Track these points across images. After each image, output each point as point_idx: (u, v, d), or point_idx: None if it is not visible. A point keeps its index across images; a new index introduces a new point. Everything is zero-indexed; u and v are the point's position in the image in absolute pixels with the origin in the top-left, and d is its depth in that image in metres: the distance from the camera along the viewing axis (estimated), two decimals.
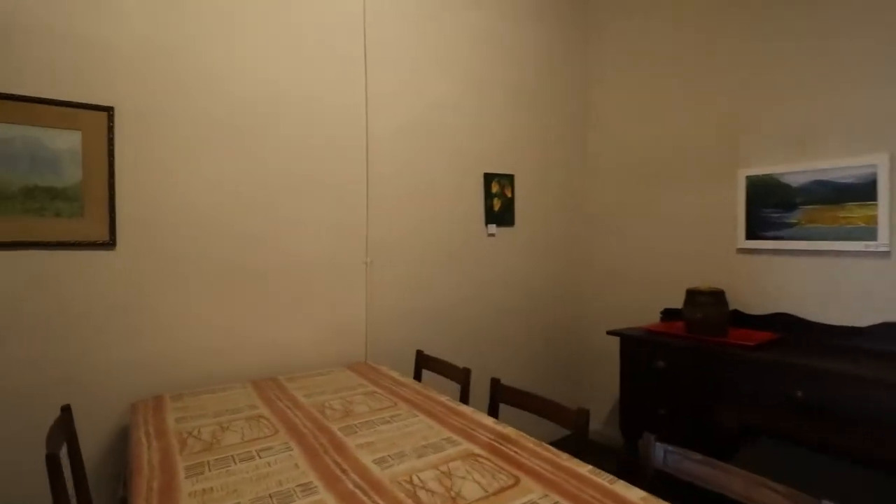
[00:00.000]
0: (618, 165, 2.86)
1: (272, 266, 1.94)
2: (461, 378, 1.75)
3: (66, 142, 1.51)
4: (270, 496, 1.00)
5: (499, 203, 2.66)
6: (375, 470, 1.11)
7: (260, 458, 1.18)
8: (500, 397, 1.56)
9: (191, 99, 1.74)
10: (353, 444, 1.25)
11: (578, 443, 1.29)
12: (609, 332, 2.33)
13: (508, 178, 2.69)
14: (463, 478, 1.07)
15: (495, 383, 1.57)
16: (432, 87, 2.38)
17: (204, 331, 1.79)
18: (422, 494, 0.99)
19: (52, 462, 1.03)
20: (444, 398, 1.60)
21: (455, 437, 1.29)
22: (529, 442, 1.25)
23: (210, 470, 1.12)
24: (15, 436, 1.45)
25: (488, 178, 2.61)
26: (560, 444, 1.23)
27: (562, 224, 2.94)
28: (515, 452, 1.19)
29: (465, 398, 1.73)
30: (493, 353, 2.63)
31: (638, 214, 2.75)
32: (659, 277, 2.64)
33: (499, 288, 2.65)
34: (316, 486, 1.03)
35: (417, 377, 2.04)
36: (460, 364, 2.48)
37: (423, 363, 2.00)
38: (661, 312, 2.59)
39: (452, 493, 1.00)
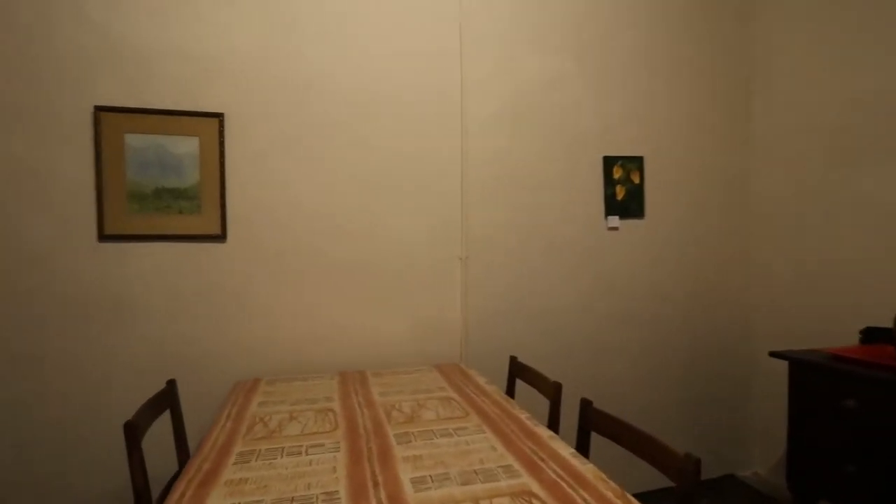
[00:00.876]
0: (795, 139, 2.20)
1: (366, 260, 1.94)
2: (551, 393, 1.49)
3: (186, 147, 1.71)
4: (293, 500, 0.93)
5: (623, 191, 2.27)
6: (408, 490, 0.96)
7: (306, 454, 1.13)
8: (591, 424, 1.26)
9: (289, 102, 1.83)
10: (400, 455, 1.12)
11: (683, 500, 0.95)
12: (773, 354, 1.78)
13: (635, 162, 2.28)
14: None
15: (585, 406, 1.29)
16: (533, 63, 2.13)
17: (302, 320, 1.87)
18: None
19: (129, 430, 1.13)
20: (523, 415, 1.37)
21: (517, 466, 1.07)
22: (609, 489, 0.96)
23: (256, 460, 1.11)
24: (133, 405, 1.68)
25: (609, 163, 2.24)
26: (660, 498, 0.91)
27: (710, 215, 2.38)
28: (584, 500, 0.92)
29: (553, 418, 1.46)
30: (610, 369, 2.25)
31: (825, 201, 2.07)
32: (856, 284, 1.94)
33: (620, 290, 2.26)
34: (339, 498, 0.93)
35: (511, 386, 1.82)
36: (565, 378, 2.18)
37: (517, 371, 1.78)
38: (861, 332, 1.89)
39: None
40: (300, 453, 1.14)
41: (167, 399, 1.43)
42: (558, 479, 1.00)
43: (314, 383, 1.70)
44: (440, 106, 2.01)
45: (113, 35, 1.66)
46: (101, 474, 1.66)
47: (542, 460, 1.09)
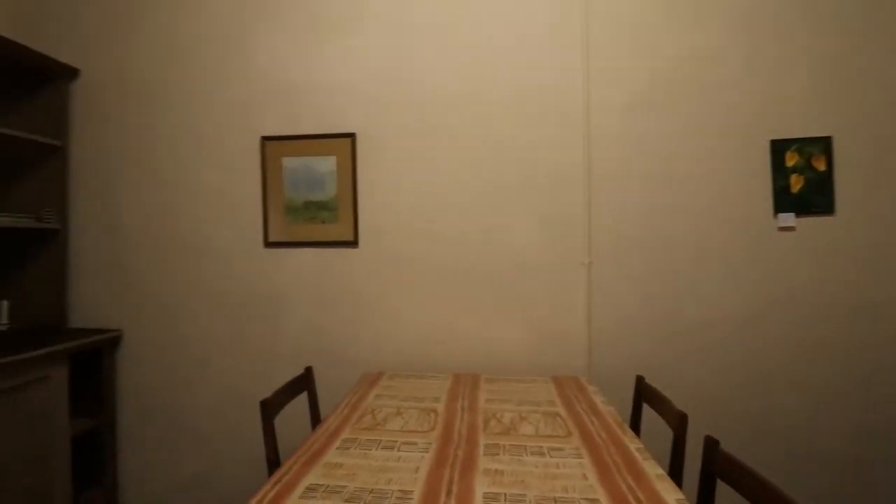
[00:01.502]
0: None
1: (484, 266, 1.94)
2: (674, 424, 1.28)
3: (327, 165, 1.96)
4: (371, 492, 0.99)
5: (800, 182, 1.82)
6: None
7: (398, 450, 1.19)
8: (717, 468, 1.04)
9: (411, 119, 1.95)
10: (482, 467, 1.10)
11: None
12: None
13: (819, 144, 1.80)
14: None
15: (710, 446, 1.07)
16: (671, 41, 1.85)
17: (423, 321, 1.97)
18: None
19: (265, 406, 1.35)
20: (634, 445, 1.21)
21: (604, 502, 0.94)
22: None
23: (355, 448, 1.21)
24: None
25: (779, 147, 1.82)
26: None
27: None
28: None
29: (676, 455, 1.25)
30: (782, 404, 1.82)
31: None
32: None
33: (799, 306, 1.81)
34: (412, 500, 0.95)
35: (636, 410, 1.62)
36: (715, 409, 1.83)
37: (644, 394, 1.57)
38: None
39: None
40: (393, 448, 1.21)
41: (304, 383, 1.66)
42: None
43: (429, 382, 1.77)
44: (560, 101, 1.90)
45: (273, 78, 2.00)
46: (245, 442, 2.00)
47: (636, 500, 0.94)
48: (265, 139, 1.99)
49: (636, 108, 1.88)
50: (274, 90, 2.00)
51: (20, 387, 1.66)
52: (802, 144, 1.81)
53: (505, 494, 0.98)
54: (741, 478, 0.96)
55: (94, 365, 2.07)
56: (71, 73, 2.10)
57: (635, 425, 1.60)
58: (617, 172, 1.89)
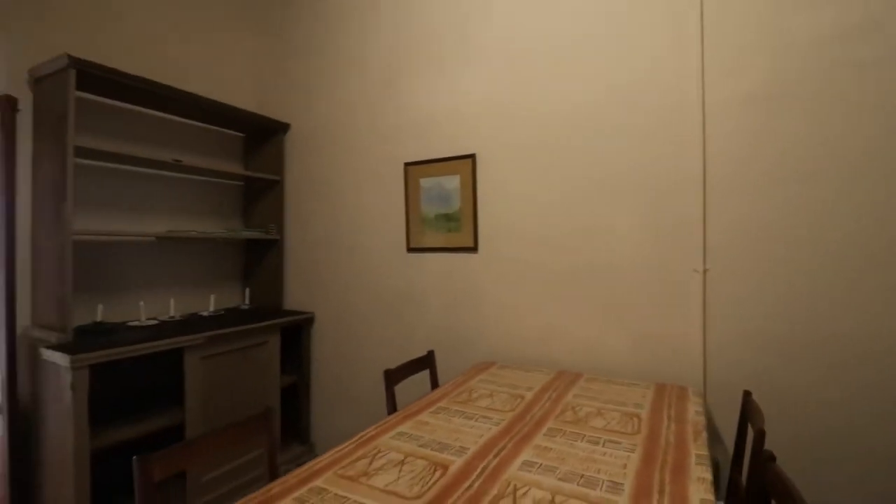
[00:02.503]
0: None
1: (592, 272, 2.03)
2: (755, 438, 1.22)
3: (452, 183, 2.31)
4: (439, 443, 1.27)
5: None
6: (512, 467, 1.13)
7: (475, 421, 1.44)
8: (768, 484, 1.01)
9: (522, 137, 2.16)
10: (535, 443, 1.28)
11: None
12: None
13: None
14: None
15: (767, 459, 1.04)
16: (803, 21, 1.64)
17: (532, 320, 2.15)
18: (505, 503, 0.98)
19: (387, 375, 1.75)
20: (697, 452, 1.22)
21: (626, 488, 1.04)
22: None
23: (440, 414, 1.50)
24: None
25: None
26: None
27: None
28: None
29: (754, 470, 1.20)
30: None
31: None
32: None
33: None
34: (465, 450, 1.21)
35: (742, 426, 1.52)
36: (834, 437, 1.54)
37: (746, 409, 1.47)
38: None
39: None
40: (472, 419, 1.46)
41: (426, 363, 2.04)
42: None
43: (532, 375, 1.95)
44: (671, 100, 1.87)
45: (411, 113, 2.46)
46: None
47: (660, 493, 1.01)
48: (407, 164, 2.46)
49: (758, 100, 1.72)
50: (412, 123, 2.46)
51: (252, 346, 2.45)
52: None
53: (540, 464, 1.15)
54: (782, 498, 0.94)
55: (296, 337, 2.84)
56: (285, 127, 2.94)
57: (740, 442, 1.51)
58: (737, 174, 1.76)
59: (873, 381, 1.57)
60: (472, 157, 2.27)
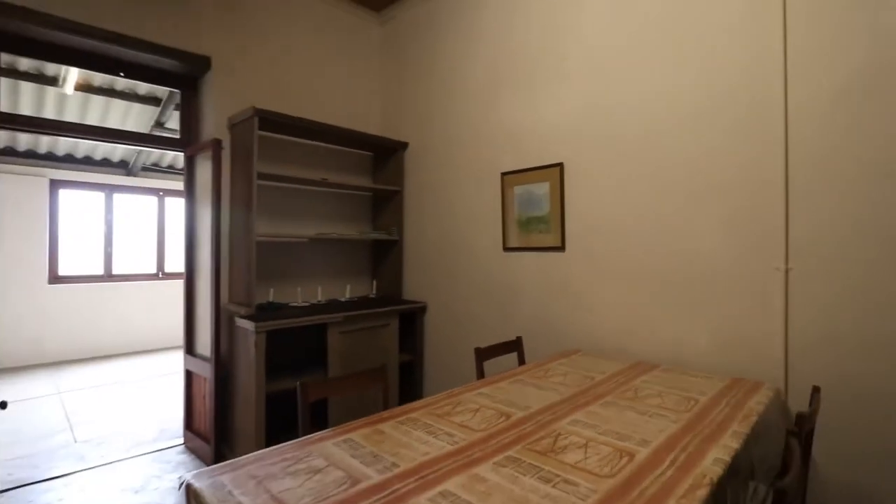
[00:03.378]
0: None
1: (669, 268, 2.15)
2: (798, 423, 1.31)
3: (542, 189, 2.59)
4: (503, 401, 1.60)
5: None
6: (562, 422, 1.41)
7: (539, 389, 1.73)
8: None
9: (604, 147, 2.35)
10: (587, 410, 1.53)
11: None
12: None
13: None
14: (555, 478, 1.20)
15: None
16: None
17: (617, 312, 2.33)
18: (536, 447, 1.28)
19: (477, 352, 2.12)
20: (735, 428, 1.35)
21: (651, 441, 1.26)
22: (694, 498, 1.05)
23: (514, 386, 1.82)
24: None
25: None
26: None
27: None
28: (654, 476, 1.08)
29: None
30: None
31: None
32: None
33: None
34: (529, 408, 1.52)
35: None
36: None
37: (812, 403, 1.52)
38: None
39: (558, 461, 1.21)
40: (539, 388, 1.75)
41: (514, 346, 2.35)
42: (652, 463, 1.15)
43: (609, 362, 2.14)
44: (754, 96, 1.91)
45: (507, 126, 2.78)
46: None
47: (682, 450, 1.21)
48: (503, 174, 2.80)
49: (850, 94, 1.70)
50: (507, 136, 2.79)
51: (377, 327, 3.01)
52: None
53: (586, 422, 1.41)
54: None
55: (412, 322, 3.36)
56: (404, 146, 3.49)
57: (806, 440, 1.55)
58: (822, 170, 1.76)
59: None
60: (560, 165, 2.52)
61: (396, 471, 1.11)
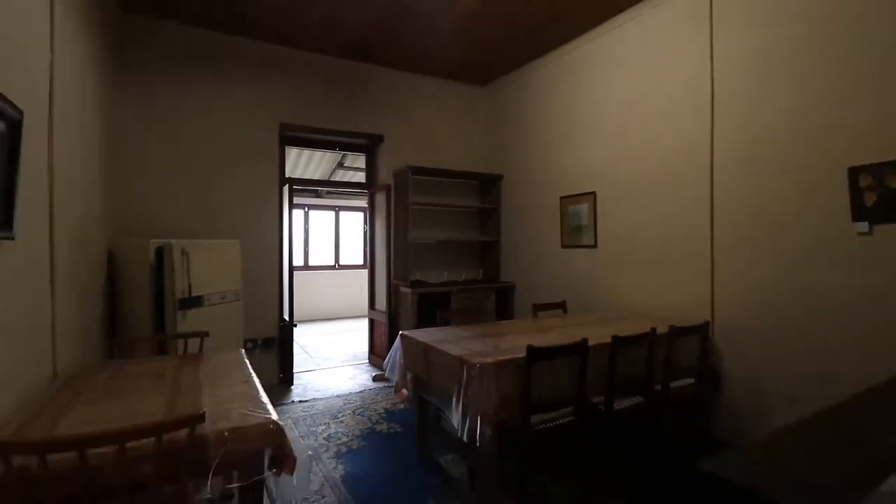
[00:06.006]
0: None
1: (655, 258, 3.47)
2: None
3: (583, 208, 4.04)
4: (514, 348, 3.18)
5: None
6: (568, 328, 2.96)
7: (540, 332, 3.26)
8: None
9: (623, 179, 3.73)
10: (580, 326, 3.03)
11: None
12: None
13: None
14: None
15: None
16: None
17: (631, 297, 3.69)
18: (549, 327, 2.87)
19: (534, 307, 3.70)
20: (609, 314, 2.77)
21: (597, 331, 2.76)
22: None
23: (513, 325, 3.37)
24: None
25: None
26: None
27: None
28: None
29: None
30: None
31: None
32: None
33: None
34: (506, 330, 3.08)
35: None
36: None
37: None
38: None
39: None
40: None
41: (559, 305, 3.87)
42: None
43: (596, 315, 3.55)
44: (736, 144, 3.18)
45: (562, 166, 4.27)
46: None
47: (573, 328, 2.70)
48: (561, 197, 4.29)
49: (753, 157, 2.92)
50: (564, 172, 4.27)
51: (482, 298, 4.74)
52: None
53: (572, 323, 2.93)
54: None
55: (505, 296, 4.99)
56: (500, 177, 5.15)
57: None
58: (737, 198, 2.99)
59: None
60: (593, 193, 3.96)
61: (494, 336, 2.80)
